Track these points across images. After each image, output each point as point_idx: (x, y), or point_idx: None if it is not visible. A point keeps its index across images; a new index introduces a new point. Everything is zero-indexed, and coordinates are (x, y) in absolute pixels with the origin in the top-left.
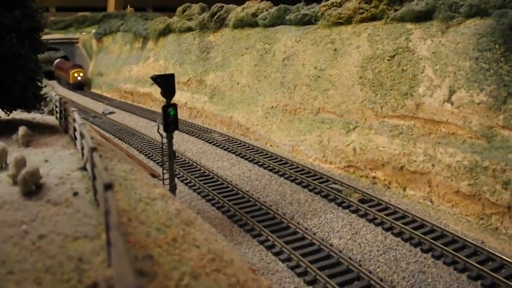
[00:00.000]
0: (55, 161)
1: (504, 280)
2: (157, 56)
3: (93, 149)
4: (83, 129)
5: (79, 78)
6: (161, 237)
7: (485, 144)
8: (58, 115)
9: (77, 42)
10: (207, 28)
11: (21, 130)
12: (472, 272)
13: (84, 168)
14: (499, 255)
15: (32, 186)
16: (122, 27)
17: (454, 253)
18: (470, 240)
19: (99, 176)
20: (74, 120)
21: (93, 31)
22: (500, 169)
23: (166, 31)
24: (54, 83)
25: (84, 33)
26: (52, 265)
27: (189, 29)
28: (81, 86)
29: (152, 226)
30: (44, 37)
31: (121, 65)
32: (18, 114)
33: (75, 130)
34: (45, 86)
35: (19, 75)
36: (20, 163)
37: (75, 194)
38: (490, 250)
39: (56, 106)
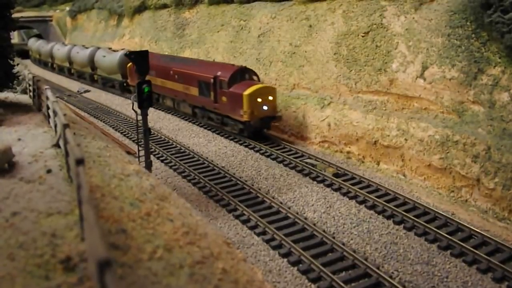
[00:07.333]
0: (28, 139)
1: (471, 249)
2: (133, 34)
3: (65, 126)
4: (56, 106)
5: (265, 107)
6: (135, 211)
7: (456, 118)
8: (31, 93)
9: (51, 20)
10: (182, 4)
11: None
12: (442, 242)
13: (57, 146)
14: (468, 225)
15: (5, 165)
16: (97, 4)
17: (425, 224)
18: (441, 212)
19: (71, 152)
20: (47, 98)
21: (67, 8)
22: (470, 143)
23: (141, 8)
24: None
25: (58, 11)
26: (25, 241)
27: (165, 6)
28: (267, 124)
29: (126, 201)
30: (16, 14)
31: (96, 43)
32: None
33: (48, 108)
34: (18, 64)
35: None
36: None
37: (49, 171)
38: (459, 221)
39: (29, 85)
